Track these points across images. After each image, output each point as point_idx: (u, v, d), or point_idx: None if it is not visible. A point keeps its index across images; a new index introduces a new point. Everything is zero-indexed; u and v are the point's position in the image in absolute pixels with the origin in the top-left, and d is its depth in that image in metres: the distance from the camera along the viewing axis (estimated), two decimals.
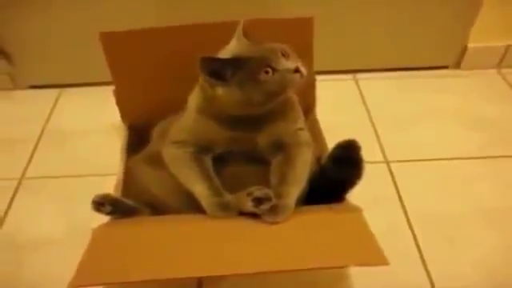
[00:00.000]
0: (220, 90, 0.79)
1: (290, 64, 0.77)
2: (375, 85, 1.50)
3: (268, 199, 0.75)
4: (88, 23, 1.34)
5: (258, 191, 0.75)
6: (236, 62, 0.78)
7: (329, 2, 1.36)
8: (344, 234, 0.75)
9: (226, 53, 0.83)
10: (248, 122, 0.82)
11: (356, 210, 0.80)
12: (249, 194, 0.76)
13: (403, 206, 1.11)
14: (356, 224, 0.77)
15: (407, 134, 1.32)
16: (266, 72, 0.76)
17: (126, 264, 0.70)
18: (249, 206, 0.75)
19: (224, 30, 0.86)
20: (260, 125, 0.84)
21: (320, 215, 0.80)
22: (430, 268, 0.98)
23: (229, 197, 0.80)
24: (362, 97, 1.46)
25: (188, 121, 0.88)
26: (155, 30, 1.01)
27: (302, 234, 0.75)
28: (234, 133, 0.83)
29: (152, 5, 1.35)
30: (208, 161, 0.85)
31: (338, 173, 0.82)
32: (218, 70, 0.77)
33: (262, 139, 0.84)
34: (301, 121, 0.90)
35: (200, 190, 0.81)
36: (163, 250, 0.73)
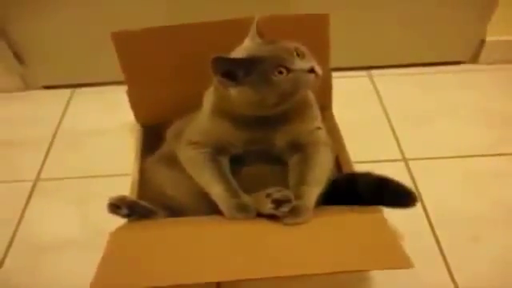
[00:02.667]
0: (233, 91, 0.77)
1: (304, 64, 0.75)
2: (390, 81, 1.48)
3: (288, 201, 0.73)
4: (99, 22, 1.33)
5: (278, 193, 0.73)
6: (249, 62, 0.76)
7: None
8: (366, 235, 0.73)
9: (239, 52, 0.81)
10: (264, 122, 0.81)
11: (376, 211, 0.78)
12: (268, 196, 0.74)
13: (423, 205, 1.08)
14: (377, 225, 0.75)
15: (425, 130, 1.30)
16: (280, 72, 0.74)
17: (145, 268, 0.68)
18: (268, 207, 0.74)
19: (238, 28, 0.85)
20: (276, 125, 0.82)
21: (340, 216, 0.78)
22: (452, 268, 0.96)
23: (247, 198, 0.79)
24: (378, 93, 1.43)
25: (203, 121, 0.86)
26: (168, 28, 0.99)
27: (322, 236, 0.73)
28: (249, 133, 0.82)
29: (164, 3, 1.33)
30: (225, 161, 0.84)
31: (371, 201, 0.80)
32: (230, 71, 0.75)
33: (279, 139, 0.83)
34: (318, 120, 0.88)
35: (217, 191, 0.79)
36: (182, 253, 0.71)
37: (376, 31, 1.44)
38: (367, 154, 1.17)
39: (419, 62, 1.52)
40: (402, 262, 0.64)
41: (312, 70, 0.75)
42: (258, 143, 0.83)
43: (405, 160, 1.20)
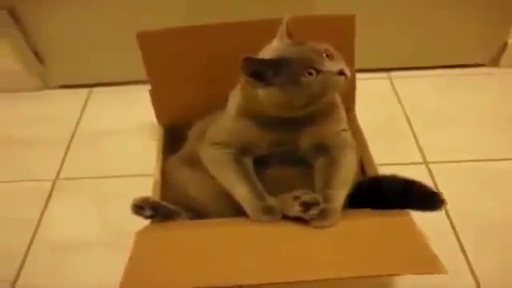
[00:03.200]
0: (261, 91, 0.76)
1: (334, 65, 0.74)
2: (410, 83, 1.46)
3: (317, 204, 0.72)
4: (118, 22, 1.35)
5: (306, 195, 0.72)
6: (278, 63, 0.75)
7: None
8: (395, 239, 0.72)
9: (267, 53, 0.80)
10: (290, 123, 0.79)
11: (404, 214, 0.77)
12: (296, 198, 0.73)
13: (446, 210, 1.07)
14: (407, 228, 0.73)
15: (446, 133, 1.28)
16: (310, 73, 0.73)
17: (172, 271, 0.68)
18: (296, 210, 0.73)
19: (263, 29, 0.84)
20: (302, 126, 0.81)
21: (368, 219, 0.77)
22: (477, 274, 0.95)
23: (272, 200, 0.78)
24: (397, 96, 1.42)
25: (228, 121, 0.85)
26: (193, 28, 0.99)
27: (351, 240, 0.72)
28: (275, 134, 0.81)
29: (186, 2, 1.33)
30: (249, 162, 0.83)
31: (396, 204, 0.79)
32: (259, 71, 0.74)
33: (305, 141, 0.82)
34: (344, 122, 0.87)
35: (242, 193, 0.79)
36: (207, 256, 0.71)
37: (396, 33, 1.42)
38: (388, 156, 1.15)
39: (439, 65, 1.50)
40: (435, 266, 0.63)
41: (342, 72, 0.74)
42: (283, 145, 0.82)
43: (426, 163, 1.19)
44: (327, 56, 0.76)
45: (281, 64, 0.75)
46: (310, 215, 0.72)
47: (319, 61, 0.74)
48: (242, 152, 0.83)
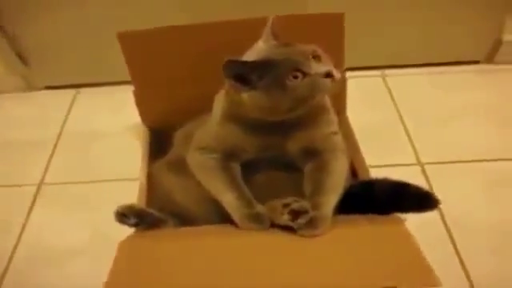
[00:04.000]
0: (245, 95, 0.73)
1: (321, 67, 0.71)
2: (404, 81, 1.44)
3: (305, 212, 0.69)
4: (103, 21, 1.31)
5: (295, 203, 0.70)
6: (262, 66, 0.71)
7: None
8: (388, 249, 0.69)
9: (251, 54, 0.77)
10: (277, 127, 0.76)
11: (398, 222, 0.74)
12: (285, 206, 0.70)
13: (441, 213, 1.04)
14: (401, 238, 0.70)
15: (441, 133, 1.26)
16: (295, 77, 0.70)
17: (155, 283, 0.65)
18: (284, 219, 0.70)
19: (251, 28, 0.81)
20: (290, 130, 0.78)
21: (360, 228, 0.74)
22: (473, 279, 0.92)
23: (260, 207, 0.75)
24: (391, 94, 1.39)
25: (214, 126, 0.82)
26: (177, 28, 0.96)
27: (341, 251, 0.69)
28: (262, 139, 0.78)
29: (171, 2, 1.29)
30: (236, 168, 0.80)
31: (389, 208, 0.76)
32: (243, 74, 0.71)
33: (293, 145, 0.79)
34: (334, 125, 0.84)
35: (229, 200, 0.76)
36: (193, 270, 0.68)
37: (389, 30, 1.40)
38: (381, 157, 1.13)
39: (433, 62, 1.48)
40: (430, 279, 0.60)
41: (329, 75, 0.71)
42: (271, 149, 0.79)
43: (420, 164, 1.16)
44: (314, 58, 0.72)
45: (265, 67, 0.71)
46: (298, 224, 0.69)
47: (305, 63, 0.71)
48: (228, 157, 0.80)
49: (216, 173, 0.79)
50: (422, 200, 0.75)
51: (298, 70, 0.70)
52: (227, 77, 0.72)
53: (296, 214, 0.69)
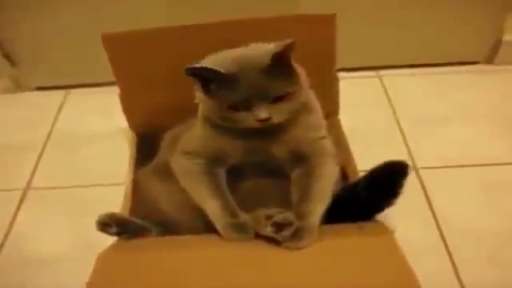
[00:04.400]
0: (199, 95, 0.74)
1: (262, 115, 0.69)
2: (401, 82, 1.40)
3: (289, 224, 0.66)
4: (93, 21, 1.28)
5: (278, 215, 0.67)
6: (226, 80, 0.69)
7: None
8: (376, 262, 0.67)
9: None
10: (260, 131, 0.73)
11: (387, 232, 0.72)
12: (268, 218, 0.67)
13: (436, 220, 1.01)
14: (388, 250, 0.68)
15: (438, 136, 1.22)
16: (237, 109, 0.70)
17: None
18: (268, 231, 0.67)
19: (239, 29, 0.80)
20: (274, 134, 0.75)
21: (347, 239, 0.71)
22: None
23: (244, 217, 0.72)
24: (387, 96, 1.36)
25: (198, 130, 0.81)
26: (163, 29, 0.93)
27: (328, 264, 0.67)
28: (246, 142, 0.76)
29: (161, 2, 1.26)
30: (221, 174, 0.78)
31: (373, 200, 0.74)
32: (203, 81, 0.71)
33: (278, 149, 0.76)
34: (322, 128, 0.81)
35: (213, 208, 0.73)
36: (176, 280, 0.66)
37: (385, 29, 1.37)
38: (374, 162, 1.09)
39: (431, 62, 1.44)
40: None
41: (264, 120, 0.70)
42: (256, 153, 0.77)
43: (416, 169, 1.13)
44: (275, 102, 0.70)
45: (228, 83, 0.69)
46: (282, 236, 0.67)
47: (258, 107, 0.69)
48: (214, 162, 0.78)
49: (200, 179, 0.77)
50: (393, 171, 0.74)
51: (245, 107, 0.69)
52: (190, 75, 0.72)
53: (280, 226, 0.66)
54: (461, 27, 1.36)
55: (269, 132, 0.74)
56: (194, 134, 0.81)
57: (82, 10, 1.29)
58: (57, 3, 1.28)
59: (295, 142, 0.77)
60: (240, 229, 0.71)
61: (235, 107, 0.70)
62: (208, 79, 0.71)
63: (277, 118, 0.71)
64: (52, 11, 1.29)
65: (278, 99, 0.70)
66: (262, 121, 0.69)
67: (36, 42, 1.37)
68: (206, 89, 0.72)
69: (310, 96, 0.81)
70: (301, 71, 0.75)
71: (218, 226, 0.72)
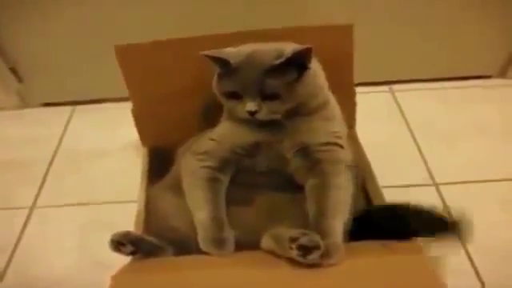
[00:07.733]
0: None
1: (251, 106, 0.73)
2: (414, 97, 1.38)
3: (317, 248, 0.63)
4: (100, 36, 1.26)
5: (303, 237, 0.64)
6: (235, 70, 0.73)
7: (364, 8, 1.25)
8: (407, 282, 0.63)
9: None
10: (274, 128, 0.76)
11: (418, 251, 0.68)
12: (292, 241, 0.64)
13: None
14: (420, 269, 0.65)
15: (455, 151, 1.19)
16: (235, 97, 0.75)
17: None
18: (294, 254, 0.64)
19: (250, 40, 0.78)
20: (286, 130, 0.77)
21: (377, 258, 0.68)
22: None
23: (229, 233, 0.73)
24: (401, 111, 1.33)
25: (217, 129, 0.83)
26: (177, 41, 0.91)
27: (358, 283, 0.64)
28: (258, 135, 0.77)
29: (169, 14, 1.25)
30: (225, 183, 0.79)
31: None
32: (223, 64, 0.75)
33: (287, 146, 0.77)
34: (338, 135, 0.80)
35: (201, 218, 0.74)
36: None
37: (398, 43, 1.35)
38: (393, 177, 1.06)
39: (444, 77, 1.42)
40: None
41: (252, 113, 0.73)
42: (266, 149, 0.77)
43: (435, 185, 1.10)
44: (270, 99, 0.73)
45: (236, 71, 0.73)
46: (311, 260, 0.64)
47: (253, 101, 0.73)
48: (223, 164, 0.78)
49: (202, 184, 0.77)
50: (440, 225, 0.73)
51: (238, 98, 0.74)
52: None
53: (306, 249, 0.63)
54: (474, 41, 1.35)
55: (280, 129, 0.76)
56: (209, 136, 0.82)
57: (89, 27, 1.28)
58: (63, 20, 1.27)
59: (304, 142, 0.76)
60: (219, 244, 0.72)
61: (227, 95, 0.75)
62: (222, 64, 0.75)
63: (265, 114, 0.73)
64: (58, 28, 1.28)
65: (270, 97, 0.72)
66: (250, 113, 0.73)
67: (42, 58, 1.35)
68: (218, 72, 0.76)
69: (332, 100, 0.82)
70: (320, 73, 0.79)
71: (199, 236, 0.73)
